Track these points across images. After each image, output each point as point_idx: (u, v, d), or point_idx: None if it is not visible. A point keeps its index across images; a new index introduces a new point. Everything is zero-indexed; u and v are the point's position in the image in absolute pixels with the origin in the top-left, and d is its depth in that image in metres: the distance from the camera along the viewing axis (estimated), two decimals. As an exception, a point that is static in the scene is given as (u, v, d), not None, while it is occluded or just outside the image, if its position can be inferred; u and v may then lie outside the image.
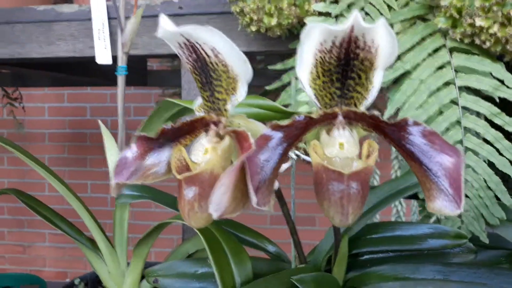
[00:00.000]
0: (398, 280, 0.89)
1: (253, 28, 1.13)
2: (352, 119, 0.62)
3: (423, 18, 1.01)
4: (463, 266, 0.87)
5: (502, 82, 0.92)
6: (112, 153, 1.04)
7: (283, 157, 0.60)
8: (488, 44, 0.90)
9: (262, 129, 0.68)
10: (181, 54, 0.65)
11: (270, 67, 1.27)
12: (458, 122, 0.93)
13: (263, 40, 1.27)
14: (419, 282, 0.86)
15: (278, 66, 1.22)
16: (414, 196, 1.00)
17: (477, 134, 0.92)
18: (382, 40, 0.56)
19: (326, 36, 0.56)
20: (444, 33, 0.96)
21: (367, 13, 1.03)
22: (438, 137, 0.57)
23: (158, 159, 0.69)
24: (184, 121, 0.66)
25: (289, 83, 1.23)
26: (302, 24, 1.15)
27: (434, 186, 0.55)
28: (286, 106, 1.24)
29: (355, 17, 0.51)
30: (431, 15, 0.99)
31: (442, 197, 0.55)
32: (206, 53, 0.61)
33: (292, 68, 1.21)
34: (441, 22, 0.93)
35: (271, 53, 1.34)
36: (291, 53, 1.21)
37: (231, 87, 0.64)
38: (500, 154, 0.91)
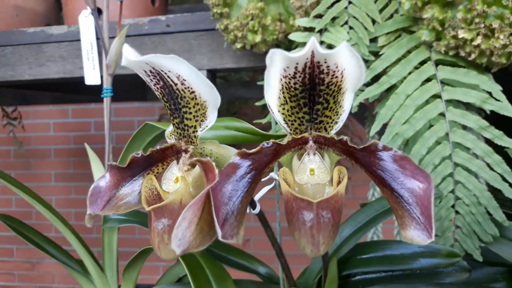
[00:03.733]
0: (389, 302, 0.86)
1: (238, 45, 1.12)
2: (323, 143, 0.61)
3: (408, 31, 0.99)
4: (455, 286, 0.84)
5: (490, 94, 0.90)
6: (99, 176, 1.03)
7: (253, 186, 0.58)
8: (473, 56, 0.88)
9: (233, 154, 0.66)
10: (149, 81, 0.64)
11: (259, 83, 1.25)
12: (446, 137, 0.90)
13: (251, 56, 1.26)
14: (409, 303, 0.84)
15: (267, 82, 1.21)
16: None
17: (466, 149, 0.90)
18: (347, 63, 0.55)
19: (288, 62, 0.54)
20: (429, 46, 0.94)
21: (351, 27, 1.01)
22: (409, 161, 0.55)
23: (131, 188, 0.67)
24: (154, 149, 0.65)
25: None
26: (289, 40, 1.14)
27: (406, 213, 0.53)
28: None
29: (312, 43, 0.50)
30: (416, 27, 0.97)
31: (414, 225, 0.52)
32: (172, 80, 0.60)
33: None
34: (424, 34, 0.91)
35: (260, 68, 1.33)
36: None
37: (200, 114, 0.62)
38: (491, 169, 0.88)
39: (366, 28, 0.99)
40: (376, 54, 1.01)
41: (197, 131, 0.64)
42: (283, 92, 0.58)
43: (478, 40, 0.84)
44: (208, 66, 1.27)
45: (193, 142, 0.64)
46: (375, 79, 0.99)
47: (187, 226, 0.51)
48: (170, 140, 0.67)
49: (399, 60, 0.96)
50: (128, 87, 2.29)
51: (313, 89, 0.57)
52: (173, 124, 0.65)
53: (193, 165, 0.65)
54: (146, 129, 0.92)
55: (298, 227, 0.56)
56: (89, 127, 3.46)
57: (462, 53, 0.89)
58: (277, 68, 0.56)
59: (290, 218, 0.57)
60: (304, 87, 0.57)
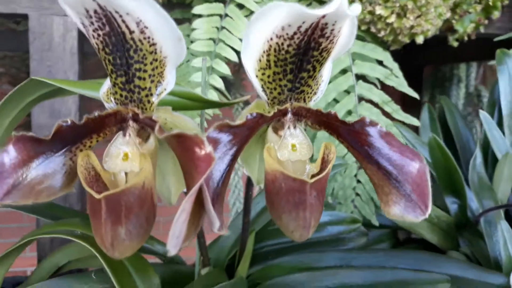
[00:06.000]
0: (303, 271, 0.87)
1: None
2: (303, 116, 0.55)
3: (318, 0, 0.98)
4: (363, 251, 0.90)
5: (391, 70, 0.96)
6: None
7: (233, 165, 0.49)
8: (383, 33, 0.91)
9: (191, 125, 0.55)
10: (87, 24, 0.47)
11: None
12: (355, 109, 0.93)
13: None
14: (325, 271, 0.86)
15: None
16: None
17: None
18: (347, 30, 0.50)
19: (293, 19, 0.46)
20: (342, 18, 0.95)
21: (264, -11, 0.95)
22: (394, 138, 0.53)
23: (52, 167, 0.50)
24: (91, 117, 0.49)
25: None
26: (183, -9, 1.01)
27: (394, 190, 0.52)
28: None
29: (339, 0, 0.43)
30: (326, -2, 0.97)
31: (404, 203, 0.52)
32: (127, 26, 0.46)
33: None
34: (341, 6, 0.90)
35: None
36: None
37: (157, 73, 0.49)
38: (389, 140, 0.95)
39: (280, -9, 0.94)
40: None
41: (152, 95, 0.50)
42: (268, 55, 0.50)
43: (392, 18, 0.88)
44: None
45: (146, 109, 0.51)
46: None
47: (184, 219, 0.40)
48: (109, 104, 0.51)
49: (311, 29, 0.94)
50: None
51: (305, 54, 0.50)
52: (115, 84, 0.50)
53: (143, 138, 0.52)
54: (28, 86, 0.70)
55: (288, 210, 0.50)
56: None
57: (373, 29, 0.92)
58: (273, 24, 0.47)
59: (276, 200, 0.50)
60: (298, 51, 0.49)
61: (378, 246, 1.03)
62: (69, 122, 0.49)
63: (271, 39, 0.48)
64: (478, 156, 1.02)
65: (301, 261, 0.89)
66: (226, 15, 0.94)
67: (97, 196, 0.45)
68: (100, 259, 0.65)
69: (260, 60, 0.51)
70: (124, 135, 0.50)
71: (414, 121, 0.96)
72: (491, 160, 1.10)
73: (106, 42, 0.48)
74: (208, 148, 0.43)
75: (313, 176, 0.53)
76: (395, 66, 0.96)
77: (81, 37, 1.07)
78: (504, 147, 1.04)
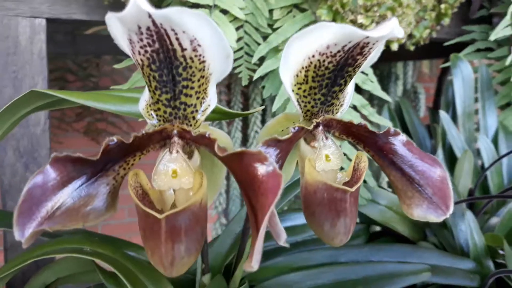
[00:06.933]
0: (296, 271, 0.91)
1: (111, -4, 0.91)
2: (332, 127, 0.58)
3: (299, 7, 1.01)
4: (349, 248, 0.95)
5: (367, 75, 1.02)
6: None
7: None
8: (362, 40, 0.97)
9: (226, 139, 0.56)
10: (135, 41, 0.46)
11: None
12: (337, 113, 0.98)
13: (104, 10, 1.04)
14: (318, 269, 0.90)
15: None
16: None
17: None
18: (377, 47, 0.53)
19: (341, 39, 0.49)
20: (324, 26, 0.99)
21: (248, -5, 0.96)
22: (413, 145, 0.58)
23: (95, 189, 0.49)
24: (138, 135, 0.48)
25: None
26: (159, -4, 1.00)
27: (417, 194, 0.57)
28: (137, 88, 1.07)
29: (393, 23, 0.46)
30: (306, 5, 1.00)
31: (426, 205, 0.56)
32: (180, 44, 0.46)
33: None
34: (324, 14, 0.95)
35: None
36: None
37: (203, 89, 0.50)
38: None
39: (265, -1, 0.96)
40: (268, 26, 0.99)
41: (197, 112, 0.50)
42: (307, 71, 0.52)
43: (372, 27, 0.93)
44: (49, 14, 0.99)
45: (191, 125, 0.51)
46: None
47: (263, 235, 0.41)
48: (151, 120, 0.51)
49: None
50: None
51: (341, 70, 0.53)
52: (159, 101, 0.50)
53: (189, 154, 0.52)
54: (28, 98, 0.65)
55: (331, 218, 0.53)
56: None
57: (353, 37, 0.97)
58: (317, 43, 0.49)
59: (318, 210, 0.53)
60: (336, 67, 0.52)
61: (356, 240, 1.10)
62: (116, 140, 0.47)
63: (313, 56, 0.51)
64: (440, 153, 1.11)
65: (292, 261, 0.92)
66: (212, 21, 0.94)
67: (159, 216, 0.44)
68: (122, 279, 0.63)
69: (297, 76, 0.53)
70: (171, 152, 0.50)
71: (387, 122, 1.03)
72: (448, 155, 1.22)
73: (153, 59, 0.47)
74: (272, 165, 0.45)
75: (344, 184, 0.57)
76: (370, 71, 1.02)
77: (47, 40, 1.01)
78: (461, 144, 1.15)
